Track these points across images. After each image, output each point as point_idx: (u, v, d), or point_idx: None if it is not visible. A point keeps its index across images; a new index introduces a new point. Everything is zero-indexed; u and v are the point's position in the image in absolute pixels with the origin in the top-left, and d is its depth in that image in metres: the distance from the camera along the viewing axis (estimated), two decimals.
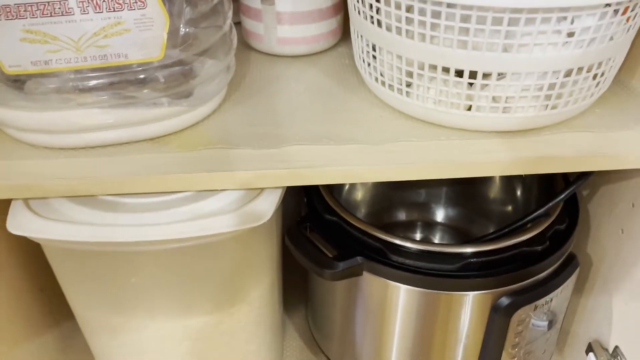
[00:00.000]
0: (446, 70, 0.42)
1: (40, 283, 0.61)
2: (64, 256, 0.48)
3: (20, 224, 0.44)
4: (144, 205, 0.45)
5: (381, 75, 0.47)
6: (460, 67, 0.41)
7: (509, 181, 0.68)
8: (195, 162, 0.44)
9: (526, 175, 0.64)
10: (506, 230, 0.52)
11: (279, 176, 0.44)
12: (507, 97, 0.43)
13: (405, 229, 0.73)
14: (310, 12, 0.57)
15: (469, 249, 0.49)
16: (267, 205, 0.46)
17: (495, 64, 0.40)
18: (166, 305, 0.51)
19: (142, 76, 0.42)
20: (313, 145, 0.46)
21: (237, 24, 0.63)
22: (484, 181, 0.69)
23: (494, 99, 0.43)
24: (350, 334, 0.58)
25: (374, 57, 0.47)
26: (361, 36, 0.48)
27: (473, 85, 0.43)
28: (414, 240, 0.49)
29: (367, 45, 0.47)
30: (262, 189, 0.47)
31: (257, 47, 0.61)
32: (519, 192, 0.67)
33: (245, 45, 0.63)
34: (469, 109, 0.44)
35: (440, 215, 0.73)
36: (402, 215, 0.73)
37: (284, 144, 0.46)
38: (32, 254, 0.59)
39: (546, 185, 0.59)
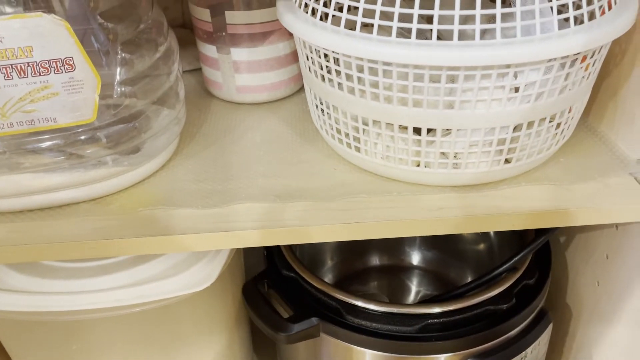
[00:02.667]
0: (391, 126, 0.40)
1: None
2: (7, 325, 0.46)
3: None
4: (83, 271, 0.43)
5: (332, 128, 0.45)
6: (403, 124, 0.40)
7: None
8: (135, 225, 0.42)
9: None
10: (472, 285, 0.49)
11: (220, 239, 0.42)
12: (455, 153, 0.40)
13: (379, 274, 0.70)
14: (268, 60, 0.56)
15: (429, 309, 0.46)
16: (211, 269, 0.44)
17: (439, 121, 0.39)
18: None
19: (82, 137, 0.41)
20: (260, 203, 0.44)
21: (199, 69, 0.62)
22: None
23: (442, 154, 0.41)
24: None
25: (323, 111, 0.45)
26: (310, 89, 0.46)
27: (420, 141, 0.41)
28: (370, 300, 0.47)
29: (316, 98, 0.45)
30: (206, 252, 0.45)
31: (217, 94, 0.60)
32: (492, 234, 0.64)
33: (207, 92, 0.62)
34: (418, 165, 0.42)
35: (415, 258, 0.71)
36: (375, 260, 0.70)
37: (229, 203, 0.44)
38: None
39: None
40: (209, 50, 0.56)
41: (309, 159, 0.49)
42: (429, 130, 0.40)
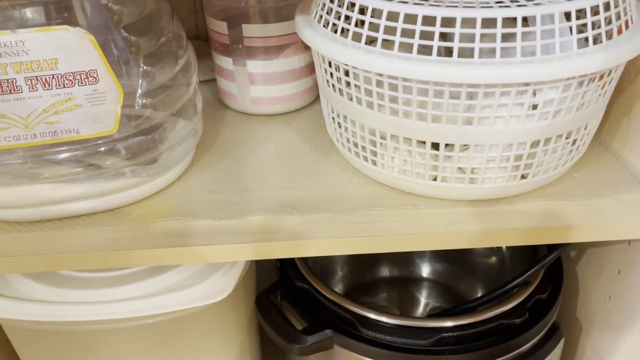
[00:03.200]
0: (409, 141, 0.41)
1: None
2: (22, 333, 0.46)
3: None
4: (99, 281, 0.44)
5: (348, 141, 0.46)
6: (421, 139, 0.40)
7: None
8: (152, 236, 0.43)
9: None
10: (484, 299, 0.49)
11: (238, 250, 0.42)
12: (472, 168, 0.41)
13: (389, 285, 0.70)
14: (283, 72, 0.56)
15: (443, 323, 0.46)
16: (227, 280, 0.44)
17: (457, 136, 0.39)
18: None
19: (102, 149, 0.41)
20: (277, 215, 0.44)
21: (213, 80, 0.62)
22: None
23: (459, 169, 0.41)
24: None
25: (340, 124, 0.46)
26: (327, 102, 0.46)
27: (437, 156, 0.41)
28: (384, 313, 0.47)
29: (333, 112, 0.46)
30: (223, 263, 0.45)
31: (232, 106, 0.60)
32: (504, 247, 0.64)
33: (221, 103, 0.62)
34: (435, 179, 0.42)
35: (425, 270, 0.71)
36: (385, 271, 0.71)
37: (246, 214, 0.44)
38: None
39: None
40: (224, 62, 0.57)
41: (323, 171, 0.50)
42: (446, 145, 0.40)
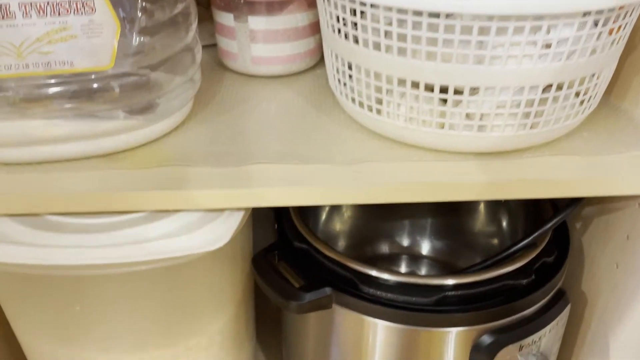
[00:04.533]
0: (416, 85, 0.39)
1: (7, 335, 0.57)
2: (5, 280, 0.44)
3: None
4: (90, 227, 0.42)
5: (352, 92, 0.44)
6: (430, 81, 0.39)
7: (494, 211, 0.64)
8: (148, 180, 0.41)
9: (512, 204, 0.61)
10: (489, 262, 0.48)
11: (237, 196, 0.41)
12: (481, 114, 0.39)
13: (388, 262, 0.69)
14: (285, 30, 0.55)
15: (446, 281, 0.44)
16: (225, 229, 0.42)
17: (467, 77, 0.38)
18: (117, 336, 0.47)
19: (95, 85, 0.40)
20: (277, 164, 0.43)
21: (213, 46, 0.61)
22: (469, 211, 0.65)
23: (467, 116, 0.40)
24: None
25: (345, 73, 0.44)
26: (331, 52, 0.45)
27: (445, 102, 0.40)
28: (387, 271, 0.45)
29: (337, 60, 0.44)
30: (221, 212, 0.43)
31: (232, 66, 0.58)
32: (504, 223, 0.63)
33: (220, 65, 0.61)
34: (442, 127, 0.41)
35: (425, 248, 0.69)
36: (384, 248, 0.69)
37: (246, 163, 0.43)
38: None
39: (534, 216, 0.55)
40: (226, 18, 0.55)
41: (326, 128, 0.48)
42: (455, 91, 0.39)
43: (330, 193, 0.41)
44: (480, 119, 0.40)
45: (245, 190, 0.40)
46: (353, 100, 0.45)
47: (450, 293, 0.44)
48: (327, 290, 0.46)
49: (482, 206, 0.64)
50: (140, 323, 0.46)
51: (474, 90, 0.39)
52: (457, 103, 0.39)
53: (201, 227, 0.42)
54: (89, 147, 0.42)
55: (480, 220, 0.65)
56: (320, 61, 0.61)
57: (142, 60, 0.41)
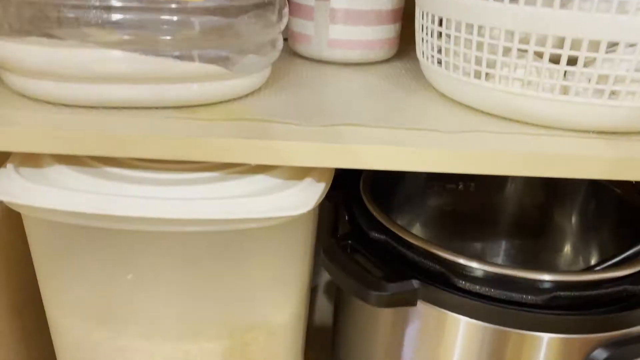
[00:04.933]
0: (542, 41, 0.35)
1: (17, 304, 0.51)
2: (48, 238, 0.39)
3: (4, 187, 0.35)
4: (158, 180, 0.37)
5: (454, 58, 0.40)
6: (560, 34, 0.34)
7: (585, 231, 0.58)
8: (229, 130, 0.36)
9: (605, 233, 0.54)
10: (608, 263, 0.41)
11: (328, 153, 0.35)
12: (615, 77, 0.35)
13: None
14: (368, 12, 0.51)
15: (561, 278, 0.38)
16: (308, 195, 0.37)
17: (606, 30, 0.33)
18: (165, 320, 0.40)
19: (175, 18, 0.35)
20: (370, 128, 0.38)
21: (285, 40, 0.58)
22: (553, 232, 0.59)
23: (600, 79, 0.35)
24: None
25: (447, 37, 0.40)
26: (428, 14, 0.41)
27: (577, 60, 0.35)
28: (486, 262, 0.39)
29: (435, 22, 0.40)
30: (300, 181, 0.38)
31: (304, 51, 0.55)
32: (594, 252, 0.56)
33: (290, 52, 0.57)
34: (566, 92, 0.36)
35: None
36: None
37: (338, 123, 0.38)
38: (10, 271, 0.49)
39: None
40: None
41: (416, 103, 0.44)
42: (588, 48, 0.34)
43: (435, 157, 0.35)
44: (614, 83, 0.35)
45: (338, 146, 0.35)
46: (455, 67, 0.40)
47: (562, 293, 0.38)
48: (415, 283, 0.40)
49: (571, 225, 0.58)
50: (195, 307, 0.40)
51: (611, 47, 0.34)
52: (589, 62, 0.35)
53: (282, 191, 0.37)
54: (160, 91, 0.37)
55: (566, 243, 0.59)
56: (396, 55, 0.57)
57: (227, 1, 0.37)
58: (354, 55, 0.53)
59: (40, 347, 0.55)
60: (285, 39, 0.56)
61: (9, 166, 0.37)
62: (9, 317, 0.50)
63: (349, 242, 0.45)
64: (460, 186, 0.62)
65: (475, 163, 0.35)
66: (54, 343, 0.44)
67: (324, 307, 0.75)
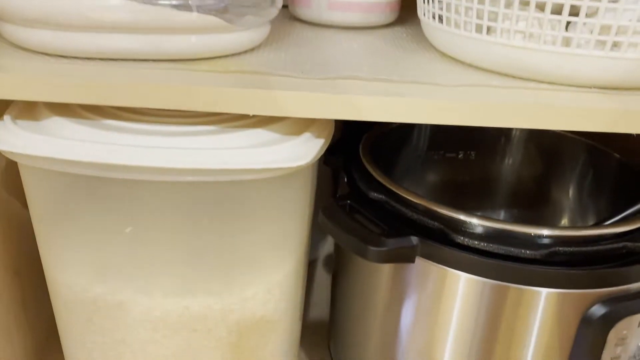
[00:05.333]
0: None
1: (15, 265, 0.51)
2: (47, 192, 0.38)
3: (2, 137, 0.35)
4: (156, 131, 0.36)
5: (455, 12, 0.39)
6: None
7: (582, 201, 0.57)
8: (227, 80, 0.36)
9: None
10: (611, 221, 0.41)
11: (327, 103, 0.35)
12: (618, 28, 0.34)
13: None
14: None
15: (560, 233, 0.38)
16: (306, 149, 0.37)
17: None
18: (165, 276, 0.40)
19: None
20: (370, 81, 0.38)
21: (285, 7, 0.57)
22: (551, 202, 0.59)
23: (602, 29, 0.35)
24: (389, 345, 0.45)
25: None
26: None
27: (579, 10, 0.35)
28: (487, 218, 0.39)
29: None
30: (299, 135, 0.38)
31: (305, 14, 0.54)
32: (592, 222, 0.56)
33: (290, 18, 0.57)
34: (568, 44, 0.36)
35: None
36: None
37: (335, 77, 0.38)
38: (8, 229, 0.49)
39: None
40: None
41: (418, 62, 0.43)
42: None
43: (436, 108, 0.35)
44: (616, 34, 0.34)
45: (337, 97, 0.35)
46: (456, 23, 0.40)
47: (561, 248, 0.38)
48: (414, 239, 0.40)
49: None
50: (194, 262, 0.40)
51: None
52: (592, 12, 0.34)
53: (281, 144, 0.37)
54: (159, 42, 0.37)
55: (566, 212, 0.58)
56: (397, 20, 0.57)
57: None
58: (355, 18, 0.53)
59: (39, 308, 0.55)
60: (285, 6, 0.56)
61: (6, 117, 0.37)
62: (7, 278, 0.50)
63: (348, 202, 0.44)
64: (461, 155, 0.62)
65: (475, 114, 0.35)
66: (52, 301, 0.44)
67: (323, 279, 0.75)
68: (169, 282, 0.40)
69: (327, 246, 0.80)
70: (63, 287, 0.42)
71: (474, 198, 0.64)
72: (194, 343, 0.42)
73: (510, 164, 0.63)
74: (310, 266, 0.77)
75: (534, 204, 0.62)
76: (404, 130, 0.59)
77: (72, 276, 0.41)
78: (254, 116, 0.39)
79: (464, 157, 0.62)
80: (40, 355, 0.57)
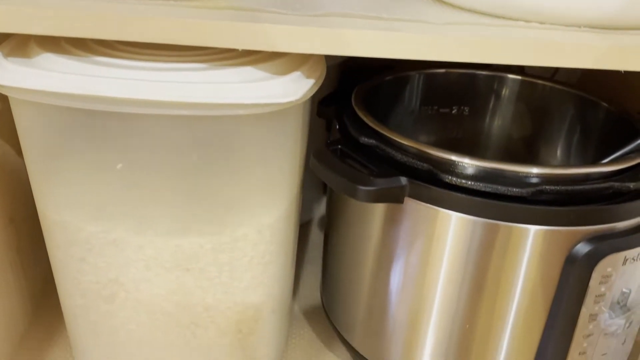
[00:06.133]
0: None
1: (9, 212, 0.51)
2: (39, 129, 0.39)
3: None
4: (146, 66, 0.36)
5: None
6: None
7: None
8: (216, 15, 0.36)
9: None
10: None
11: (316, 36, 0.35)
12: None
13: None
14: None
15: (547, 171, 0.39)
16: (297, 86, 0.37)
17: None
18: (156, 216, 0.41)
19: None
20: (361, 19, 0.37)
21: None
22: (541, 157, 0.59)
23: None
24: (380, 290, 0.46)
25: None
26: None
27: None
28: (475, 157, 0.39)
29: None
30: (290, 74, 0.38)
31: None
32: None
33: None
34: None
35: None
36: None
37: (325, 14, 0.37)
38: (1, 176, 0.49)
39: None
40: None
41: (408, 3, 0.43)
42: None
43: (427, 43, 0.35)
44: None
45: (327, 31, 0.35)
46: None
47: (548, 187, 0.38)
48: (402, 179, 0.40)
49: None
50: (184, 202, 0.40)
51: None
52: None
53: (271, 80, 0.37)
54: None
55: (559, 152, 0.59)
56: None
57: None
58: None
59: (35, 256, 0.56)
60: None
61: None
62: (1, 225, 0.50)
63: (339, 147, 0.45)
64: (455, 111, 0.62)
65: (464, 50, 0.35)
66: (47, 243, 0.45)
67: (317, 239, 0.76)
68: (160, 220, 0.41)
69: (321, 208, 0.81)
70: (57, 226, 0.42)
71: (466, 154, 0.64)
72: (187, 282, 0.43)
73: (502, 119, 0.63)
74: (304, 227, 0.78)
75: (526, 159, 0.62)
76: (397, 84, 0.59)
77: (66, 215, 0.41)
78: (245, 54, 0.39)
79: (458, 112, 0.62)
80: (37, 302, 0.58)
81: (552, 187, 0.38)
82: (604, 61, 0.35)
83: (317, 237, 0.76)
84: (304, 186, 0.49)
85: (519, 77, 0.60)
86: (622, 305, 0.43)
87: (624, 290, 0.42)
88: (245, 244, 0.43)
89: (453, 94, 0.61)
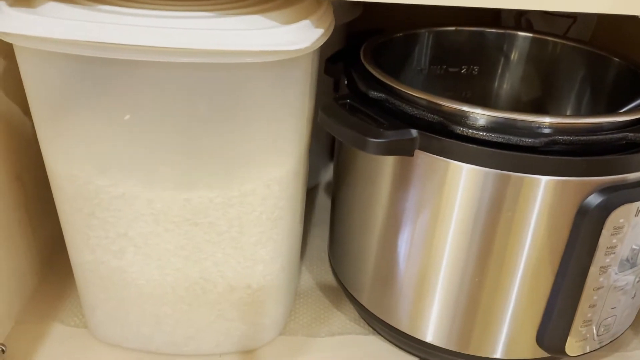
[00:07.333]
0: None
1: (16, 170, 0.51)
2: (46, 79, 0.38)
3: None
4: (152, 15, 0.36)
5: None
6: None
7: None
8: None
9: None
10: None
11: None
12: None
13: None
14: None
15: (557, 121, 0.38)
16: (305, 34, 0.37)
17: None
18: (164, 170, 0.40)
19: None
20: None
21: None
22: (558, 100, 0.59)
23: None
24: (388, 243, 0.46)
25: None
26: None
27: None
28: (486, 108, 0.39)
29: None
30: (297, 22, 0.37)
31: None
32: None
33: None
34: None
35: None
36: None
37: None
38: (8, 134, 0.49)
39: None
40: None
41: None
42: None
43: None
44: None
45: None
46: None
47: (561, 137, 0.37)
48: (413, 131, 0.40)
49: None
50: (192, 155, 0.40)
51: None
52: None
53: (279, 28, 0.36)
54: None
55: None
56: None
57: None
58: None
59: (43, 214, 0.56)
60: None
61: (2, 3, 0.36)
62: (8, 182, 0.50)
63: (348, 101, 0.44)
64: (464, 70, 0.61)
65: None
66: (55, 198, 0.44)
67: (324, 203, 0.76)
68: (169, 174, 0.40)
69: (328, 174, 0.80)
70: (65, 180, 0.42)
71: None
72: (196, 236, 0.43)
73: (512, 79, 0.62)
74: (311, 191, 0.78)
75: None
76: (406, 42, 0.58)
77: (74, 169, 0.41)
78: (254, 3, 0.38)
79: (467, 72, 0.61)
80: (46, 260, 0.58)
81: (565, 137, 0.38)
82: (619, 6, 0.35)
83: (324, 201, 0.76)
84: (311, 151, 0.48)
85: (530, 35, 0.59)
86: (632, 262, 0.43)
87: (633, 247, 0.42)
88: (254, 198, 0.42)
89: (463, 53, 0.60)
